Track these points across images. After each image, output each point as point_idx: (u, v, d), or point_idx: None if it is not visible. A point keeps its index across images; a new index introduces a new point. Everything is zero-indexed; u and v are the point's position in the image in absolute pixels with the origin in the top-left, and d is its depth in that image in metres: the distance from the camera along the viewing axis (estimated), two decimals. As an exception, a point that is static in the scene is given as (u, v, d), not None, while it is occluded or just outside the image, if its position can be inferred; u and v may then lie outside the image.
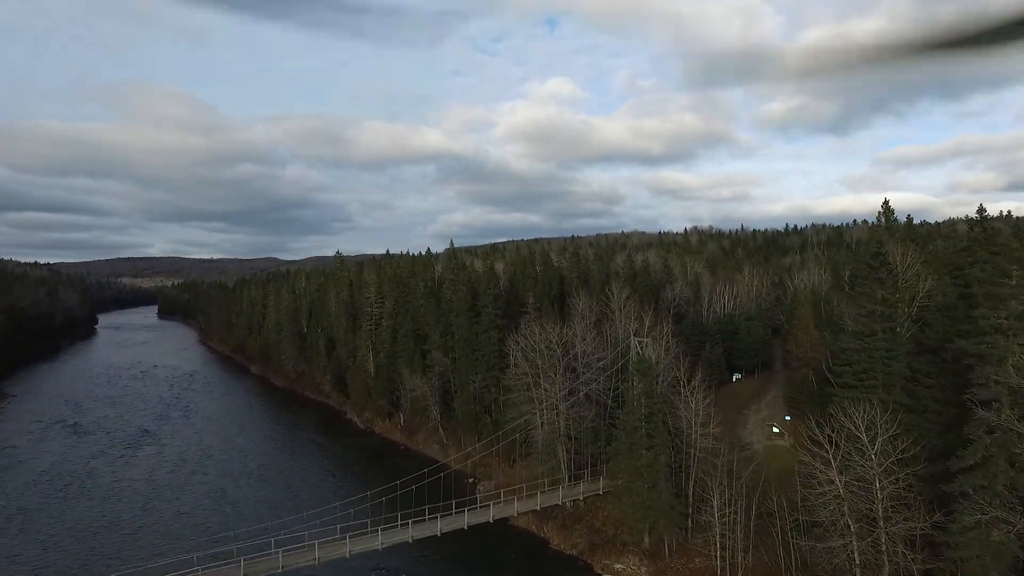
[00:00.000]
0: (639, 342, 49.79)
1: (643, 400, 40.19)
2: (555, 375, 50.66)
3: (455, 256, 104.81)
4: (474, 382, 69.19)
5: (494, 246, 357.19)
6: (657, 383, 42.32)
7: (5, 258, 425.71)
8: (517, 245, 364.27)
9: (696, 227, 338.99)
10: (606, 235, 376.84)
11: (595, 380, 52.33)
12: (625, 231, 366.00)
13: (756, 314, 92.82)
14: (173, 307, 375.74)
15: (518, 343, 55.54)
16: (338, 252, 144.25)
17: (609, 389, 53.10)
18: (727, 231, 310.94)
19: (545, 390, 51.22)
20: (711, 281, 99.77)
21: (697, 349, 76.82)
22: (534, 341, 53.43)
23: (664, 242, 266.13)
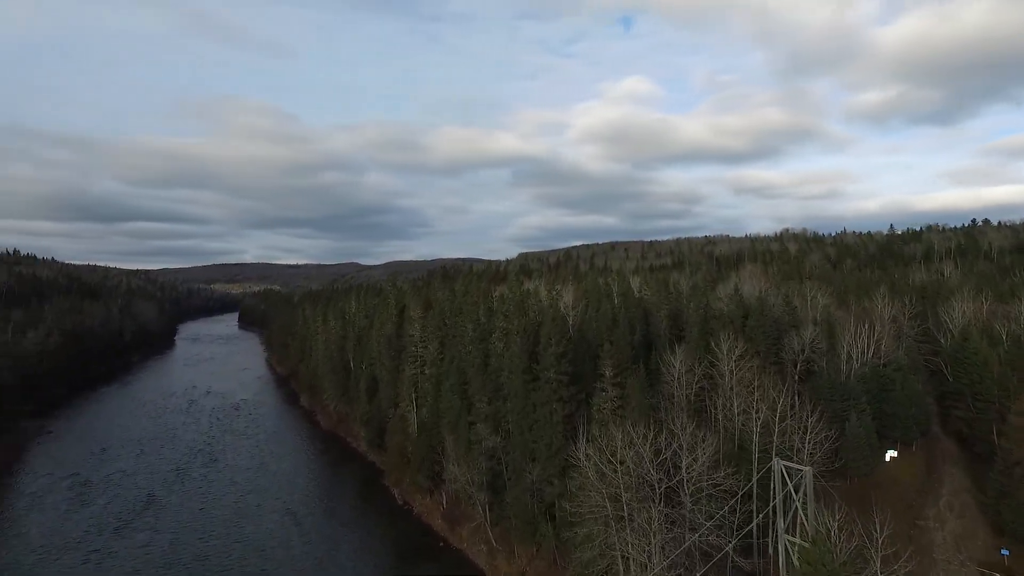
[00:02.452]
0: (784, 469, 30.50)
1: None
2: (650, 523, 32.05)
3: (518, 285, 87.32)
4: (530, 474, 51.54)
5: (567, 253, 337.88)
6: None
7: (111, 266, 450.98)
8: (592, 251, 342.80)
9: (789, 230, 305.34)
10: (688, 239, 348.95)
11: (713, 526, 33.36)
12: (710, 235, 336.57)
13: (905, 363, 70.25)
14: (251, 317, 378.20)
15: (589, 457, 37.12)
16: (391, 278, 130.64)
17: (732, 528, 34.13)
18: (827, 236, 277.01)
19: (631, 544, 32.73)
20: (842, 315, 77.50)
21: (839, 420, 55.94)
22: (614, 452, 35.09)
23: (757, 250, 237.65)
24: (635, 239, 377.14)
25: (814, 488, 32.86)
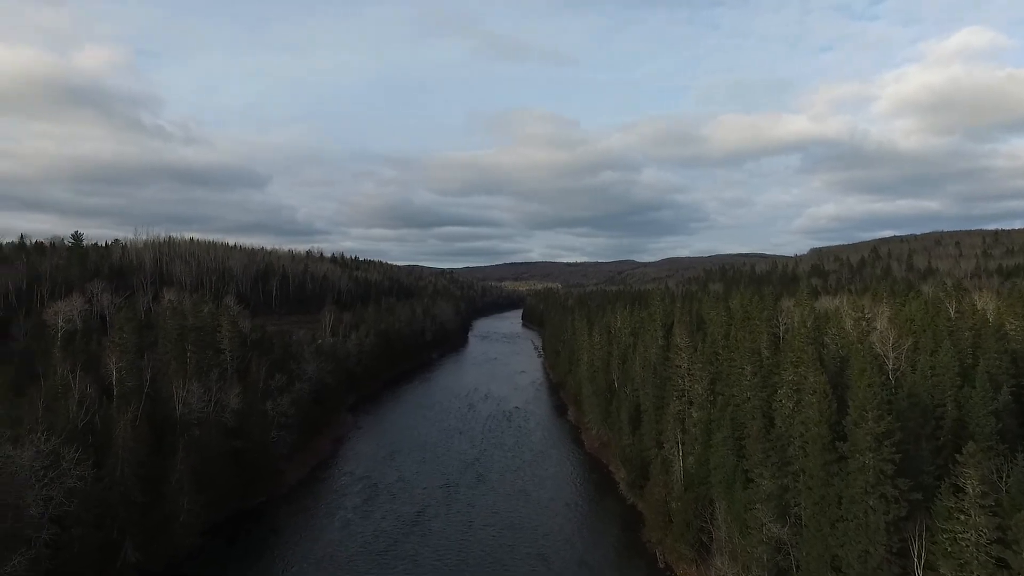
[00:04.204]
0: None
1: None
2: None
3: (810, 304, 70.31)
4: (835, 593, 37.68)
5: (874, 249, 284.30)
6: None
7: (426, 266, 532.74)
8: (908, 246, 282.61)
9: None
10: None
11: None
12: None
13: None
14: (532, 315, 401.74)
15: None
16: (665, 287, 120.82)
17: None
18: None
19: None
20: None
21: None
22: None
23: None
24: (970, 228, 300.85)
25: None
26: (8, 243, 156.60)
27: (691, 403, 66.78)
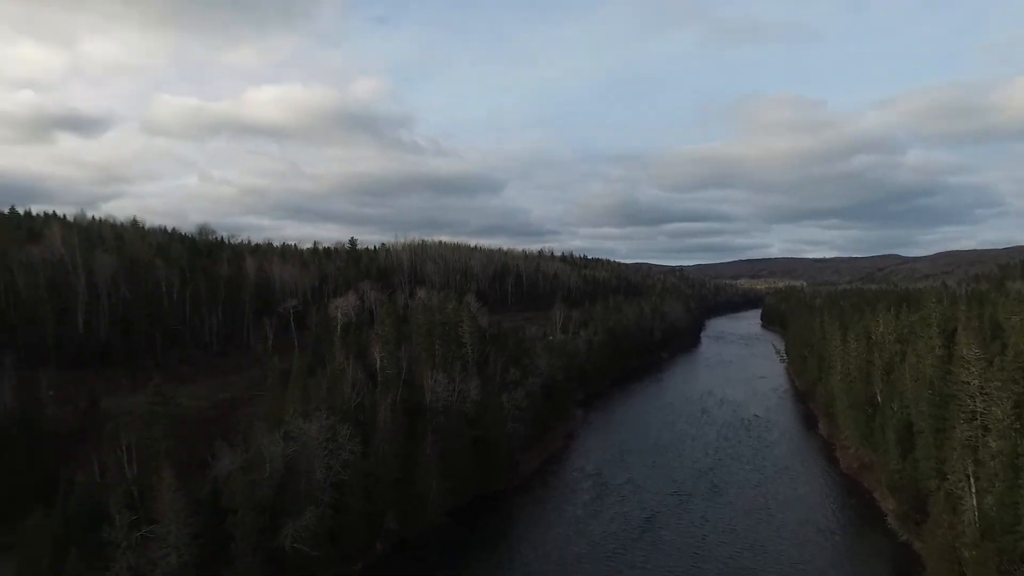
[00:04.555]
0: None
1: None
2: None
3: None
4: None
5: None
6: None
7: (654, 263, 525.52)
8: None
9: None
10: None
11: None
12: None
13: None
14: (772, 316, 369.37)
15: None
16: (943, 285, 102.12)
17: None
18: None
19: None
20: None
21: None
22: None
23: None
24: None
25: None
26: (307, 249, 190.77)
27: (986, 429, 54.27)
